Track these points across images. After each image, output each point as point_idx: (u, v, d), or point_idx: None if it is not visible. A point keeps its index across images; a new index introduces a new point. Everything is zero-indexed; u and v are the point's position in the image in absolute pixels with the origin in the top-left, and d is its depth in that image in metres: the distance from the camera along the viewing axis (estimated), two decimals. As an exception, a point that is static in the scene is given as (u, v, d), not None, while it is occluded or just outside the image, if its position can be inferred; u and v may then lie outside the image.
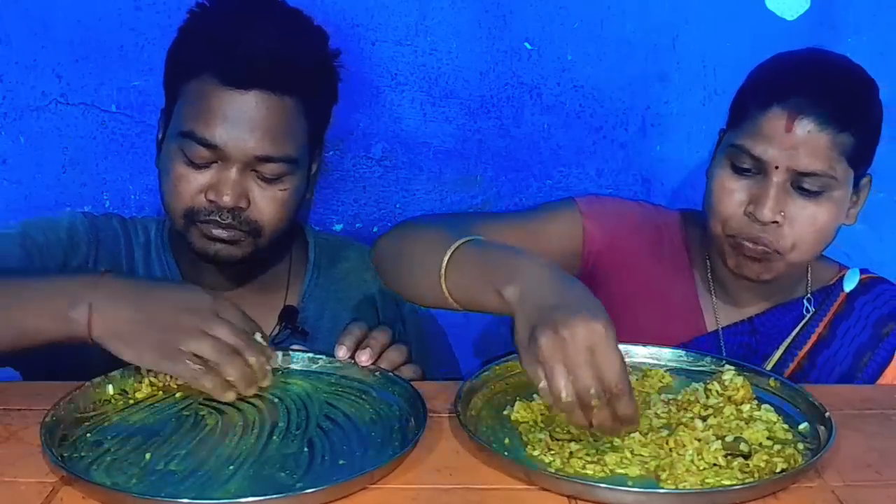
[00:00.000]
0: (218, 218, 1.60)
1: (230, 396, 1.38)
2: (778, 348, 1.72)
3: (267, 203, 1.62)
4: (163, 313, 1.37)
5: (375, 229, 2.13)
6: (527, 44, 2.06)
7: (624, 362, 1.17)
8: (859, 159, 1.59)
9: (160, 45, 1.98)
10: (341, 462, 1.26)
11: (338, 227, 2.12)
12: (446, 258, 1.38)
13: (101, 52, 1.99)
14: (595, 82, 2.09)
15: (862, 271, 1.76)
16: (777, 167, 1.56)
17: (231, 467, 1.24)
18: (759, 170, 1.59)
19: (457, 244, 1.38)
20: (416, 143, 2.10)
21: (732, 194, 1.61)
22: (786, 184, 1.57)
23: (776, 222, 1.58)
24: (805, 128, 1.54)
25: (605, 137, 2.12)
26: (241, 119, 1.58)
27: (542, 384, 1.18)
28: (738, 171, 1.61)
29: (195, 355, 1.36)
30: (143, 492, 1.17)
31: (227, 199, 1.58)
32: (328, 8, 2.00)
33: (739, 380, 1.43)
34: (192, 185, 1.60)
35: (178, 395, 1.42)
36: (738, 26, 2.06)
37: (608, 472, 1.25)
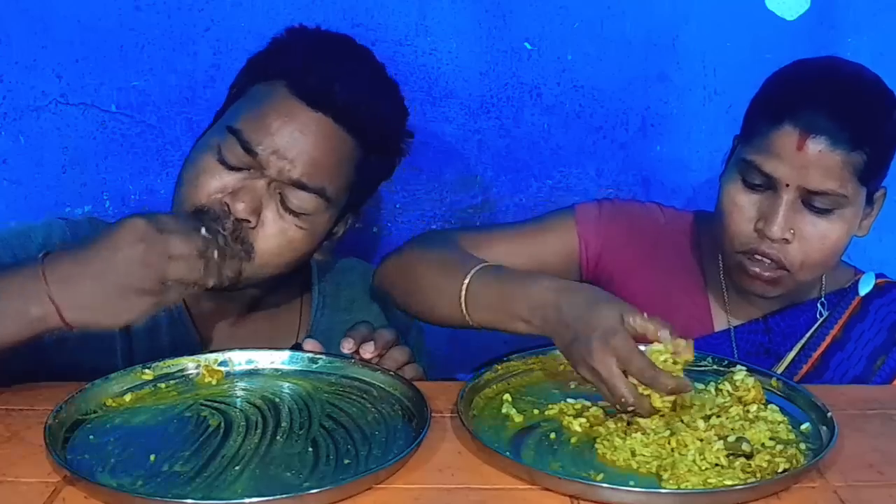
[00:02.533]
0: (220, 227, 1.47)
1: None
2: (792, 348, 1.71)
3: (276, 232, 1.52)
4: (120, 270, 1.28)
5: (375, 229, 2.13)
6: (527, 44, 2.06)
7: (642, 355, 1.31)
8: (871, 177, 1.57)
9: (160, 45, 1.99)
10: (346, 461, 1.26)
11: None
12: (464, 288, 1.49)
13: (101, 52, 1.99)
14: (595, 82, 2.09)
15: (877, 276, 1.74)
16: (788, 185, 1.55)
17: (237, 468, 1.23)
18: (769, 186, 1.57)
19: (471, 272, 1.50)
20: (416, 143, 2.09)
21: (742, 210, 1.60)
22: (796, 201, 1.56)
23: (786, 239, 1.56)
24: (817, 147, 1.52)
25: (605, 137, 2.12)
26: (295, 136, 1.50)
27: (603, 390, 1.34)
28: (749, 186, 1.59)
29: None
30: (150, 493, 1.17)
31: (240, 207, 1.48)
32: (328, 8, 2.00)
33: (751, 380, 1.42)
34: (215, 182, 1.51)
35: (178, 396, 1.42)
36: (738, 26, 2.07)
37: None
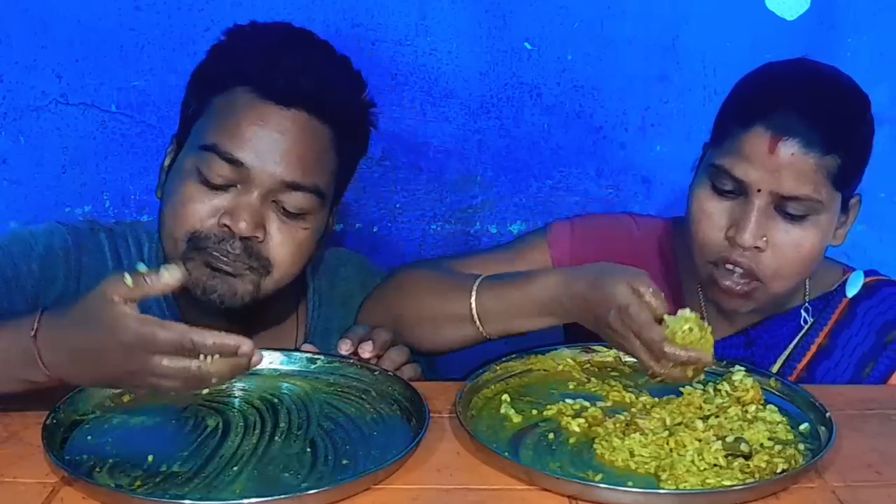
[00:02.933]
0: (228, 247, 1.45)
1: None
2: (776, 361, 1.65)
3: (284, 240, 1.49)
4: (104, 374, 1.21)
5: (375, 229, 2.13)
6: (527, 44, 2.06)
7: (654, 326, 1.33)
8: (846, 181, 1.51)
9: (160, 45, 1.99)
10: (345, 462, 1.26)
11: (338, 228, 2.12)
12: (473, 302, 1.52)
13: (101, 52, 1.99)
14: (595, 82, 2.09)
15: (867, 273, 1.67)
16: (759, 190, 1.49)
17: (235, 468, 1.24)
18: (740, 192, 1.51)
19: (475, 286, 1.53)
20: (416, 143, 2.10)
21: (712, 217, 1.53)
22: (768, 207, 1.50)
23: (758, 247, 1.51)
24: (789, 149, 1.46)
25: (605, 137, 2.12)
26: (275, 138, 1.47)
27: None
28: (719, 192, 1.53)
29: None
30: (148, 493, 1.17)
31: (243, 226, 1.45)
32: (328, 8, 2.00)
33: (749, 381, 1.42)
34: (205, 206, 1.47)
35: (176, 396, 1.41)
36: (738, 26, 2.06)
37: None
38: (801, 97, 1.51)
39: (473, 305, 1.52)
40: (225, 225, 1.47)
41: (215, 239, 1.47)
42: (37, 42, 1.98)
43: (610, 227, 1.76)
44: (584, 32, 2.06)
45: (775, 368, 1.64)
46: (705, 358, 1.32)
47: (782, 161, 1.47)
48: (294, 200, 1.49)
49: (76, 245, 1.58)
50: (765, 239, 1.51)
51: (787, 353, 1.65)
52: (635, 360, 1.38)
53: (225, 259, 1.47)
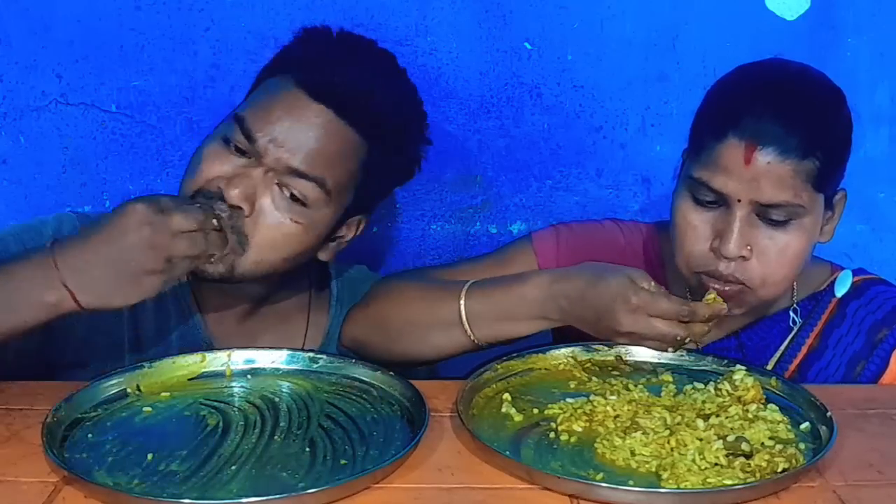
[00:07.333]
0: (214, 206, 1.47)
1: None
2: (767, 363, 1.63)
3: (271, 222, 1.51)
4: (129, 255, 1.33)
5: (375, 229, 2.13)
6: (527, 44, 2.06)
7: (666, 296, 1.43)
8: (826, 182, 1.50)
9: (160, 45, 1.99)
10: (343, 462, 1.26)
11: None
12: (462, 308, 1.52)
13: (101, 52, 1.99)
14: (595, 82, 2.09)
15: (856, 272, 1.66)
16: (739, 200, 1.47)
17: (233, 467, 1.24)
18: (721, 202, 1.50)
19: (463, 291, 1.53)
20: (416, 143, 2.09)
21: (696, 229, 1.52)
22: (750, 215, 1.48)
23: (743, 256, 1.49)
24: (765, 158, 1.45)
25: (605, 137, 2.12)
26: (296, 126, 1.51)
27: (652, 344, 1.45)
28: (701, 203, 1.52)
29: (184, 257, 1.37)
30: (145, 492, 1.17)
31: (233, 193, 1.48)
32: (328, 8, 2.00)
33: (750, 380, 1.42)
34: (215, 168, 1.52)
35: (178, 394, 1.42)
36: (738, 26, 2.06)
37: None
38: (771, 102, 1.49)
39: (462, 310, 1.52)
40: (220, 188, 1.50)
41: (206, 195, 1.50)
42: (37, 42, 1.98)
43: (595, 234, 1.75)
44: (584, 32, 2.06)
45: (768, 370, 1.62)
46: (722, 306, 1.45)
47: (759, 170, 1.46)
48: (299, 187, 1.52)
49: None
50: (749, 248, 1.50)
51: (778, 354, 1.64)
52: (650, 346, 1.46)
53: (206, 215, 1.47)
